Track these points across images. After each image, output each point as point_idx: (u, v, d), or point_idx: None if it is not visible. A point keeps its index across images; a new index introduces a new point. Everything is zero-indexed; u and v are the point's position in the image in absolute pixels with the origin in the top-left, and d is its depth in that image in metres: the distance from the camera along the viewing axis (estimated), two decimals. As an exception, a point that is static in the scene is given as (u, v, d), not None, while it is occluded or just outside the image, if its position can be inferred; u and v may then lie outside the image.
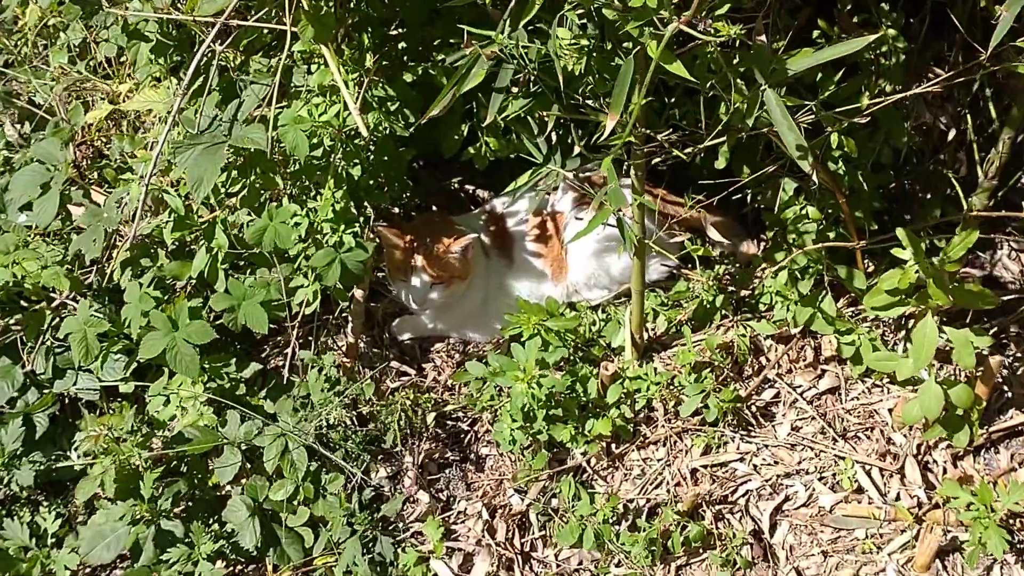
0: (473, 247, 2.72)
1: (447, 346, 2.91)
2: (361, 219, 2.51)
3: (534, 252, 2.84)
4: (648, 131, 2.22)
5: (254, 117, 2.41)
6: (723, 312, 2.82)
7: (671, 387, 2.64)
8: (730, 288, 2.86)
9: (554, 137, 2.44)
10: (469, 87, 2.12)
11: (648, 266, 2.84)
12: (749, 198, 2.91)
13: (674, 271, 2.95)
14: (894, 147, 2.59)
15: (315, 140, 2.41)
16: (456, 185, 3.18)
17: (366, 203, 2.59)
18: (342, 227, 2.36)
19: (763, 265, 2.83)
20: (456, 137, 2.70)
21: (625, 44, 2.25)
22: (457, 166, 2.98)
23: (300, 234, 2.36)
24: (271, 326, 2.43)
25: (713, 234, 2.78)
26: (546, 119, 2.34)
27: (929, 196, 2.91)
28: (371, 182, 2.57)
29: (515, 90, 2.31)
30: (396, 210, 3.00)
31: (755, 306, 2.82)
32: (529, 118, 2.46)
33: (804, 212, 2.61)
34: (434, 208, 3.16)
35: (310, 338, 2.70)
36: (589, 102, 2.25)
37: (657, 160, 2.39)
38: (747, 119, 1.84)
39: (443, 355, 2.88)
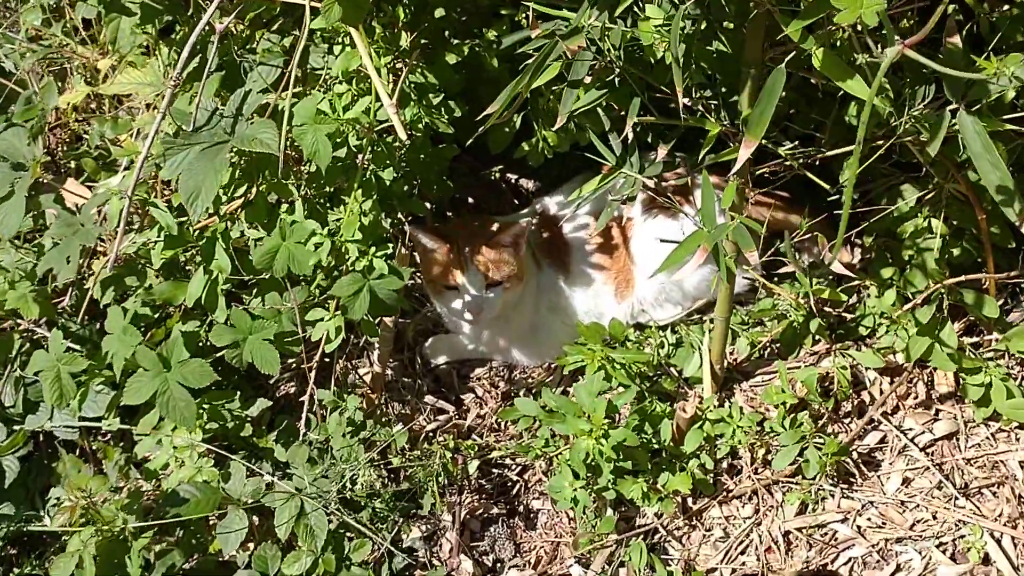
0: (525, 237, 2.28)
1: (490, 372, 2.48)
2: (393, 234, 2.06)
3: (596, 264, 2.40)
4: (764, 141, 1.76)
5: (263, 108, 1.95)
6: (815, 336, 2.39)
7: (759, 431, 2.22)
8: (825, 307, 2.42)
9: (630, 134, 1.98)
10: (541, 83, 1.67)
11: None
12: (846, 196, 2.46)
13: (755, 283, 2.50)
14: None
15: (339, 139, 1.95)
16: (496, 175, 2.71)
17: (399, 213, 2.13)
18: (371, 248, 1.91)
19: (865, 281, 2.39)
20: (507, 130, 2.23)
21: (728, 25, 1.79)
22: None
23: (321, 258, 1.91)
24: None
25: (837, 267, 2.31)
26: (624, 115, 1.89)
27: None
28: (405, 187, 2.11)
29: (587, 79, 1.85)
30: (428, 205, 2.54)
31: (853, 329, 2.39)
32: (600, 111, 2.00)
33: (926, 224, 2.16)
34: (470, 200, 2.71)
35: (326, 362, 2.26)
36: (686, 100, 1.79)
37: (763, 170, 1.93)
38: (929, 146, 1.39)
39: (485, 383, 2.45)
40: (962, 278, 2.07)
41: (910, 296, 2.27)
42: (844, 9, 1.05)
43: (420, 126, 1.96)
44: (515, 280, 2.26)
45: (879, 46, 1.20)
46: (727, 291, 2.13)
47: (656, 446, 2.20)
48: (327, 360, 2.23)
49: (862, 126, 1.34)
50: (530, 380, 2.46)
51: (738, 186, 1.89)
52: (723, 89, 1.90)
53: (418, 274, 2.41)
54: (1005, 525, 2.10)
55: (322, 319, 1.96)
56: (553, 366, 2.46)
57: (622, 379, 2.18)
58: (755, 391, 2.38)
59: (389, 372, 2.38)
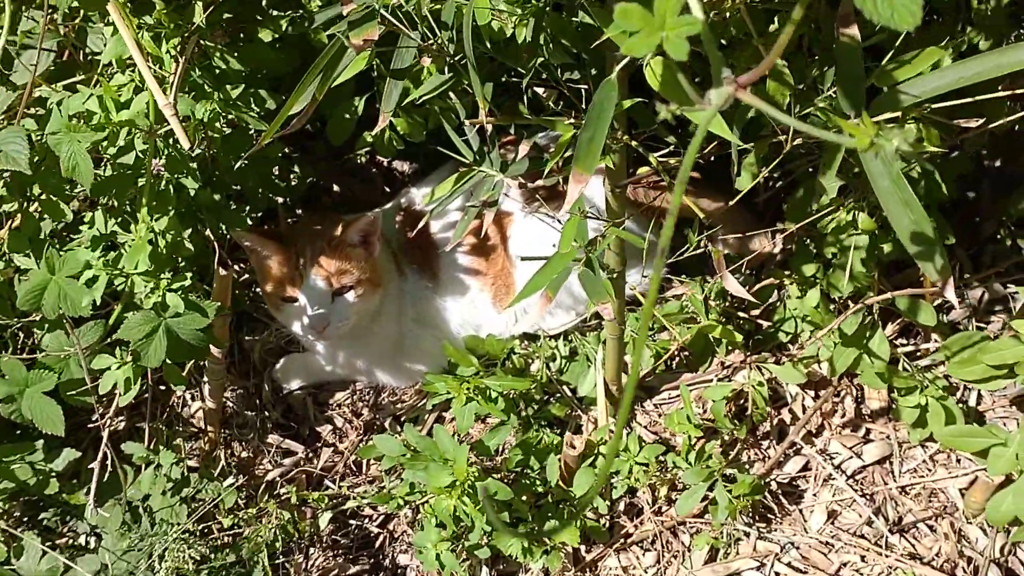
0: (378, 233, 1.91)
1: (352, 397, 2.12)
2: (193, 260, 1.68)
3: (469, 268, 2.04)
4: (630, 139, 1.41)
5: (28, 107, 1.55)
6: (729, 345, 2.05)
7: (661, 464, 1.89)
8: (740, 311, 2.08)
9: (488, 126, 1.61)
10: (345, 78, 1.29)
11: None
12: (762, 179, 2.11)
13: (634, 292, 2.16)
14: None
15: (122, 141, 1.56)
16: (363, 157, 2.32)
17: (213, 228, 1.74)
18: (164, 281, 1.53)
19: (783, 278, 2.04)
20: (347, 116, 1.84)
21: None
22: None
23: (98, 296, 1.53)
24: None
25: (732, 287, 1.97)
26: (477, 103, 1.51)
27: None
28: (217, 197, 1.72)
29: (427, 61, 1.47)
30: (280, 200, 2.16)
31: (772, 335, 2.05)
32: (454, 96, 1.62)
33: (852, 218, 1.81)
34: (335, 189, 2.32)
35: (143, 408, 1.90)
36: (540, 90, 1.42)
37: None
38: (823, 176, 1.03)
39: (347, 411, 2.10)
40: (904, 293, 1.73)
41: (836, 298, 1.94)
42: (630, 35, 0.67)
43: (219, 124, 1.56)
44: (368, 286, 1.90)
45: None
46: (618, 306, 1.78)
47: (540, 488, 1.86)
48: (143, 408, 1.86)
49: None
50: (400, 405, 2.10)
51: (614, 182, 1.53)
52: (593, 71, 1.52)
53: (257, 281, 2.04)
54: (942, 570, 1.79)
55: (108, 368, 1.58)
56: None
57: (495, 412, 1.83)
58: (660, 411, 2.05)
59: (229, 403, 2.02)
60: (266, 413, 2.05)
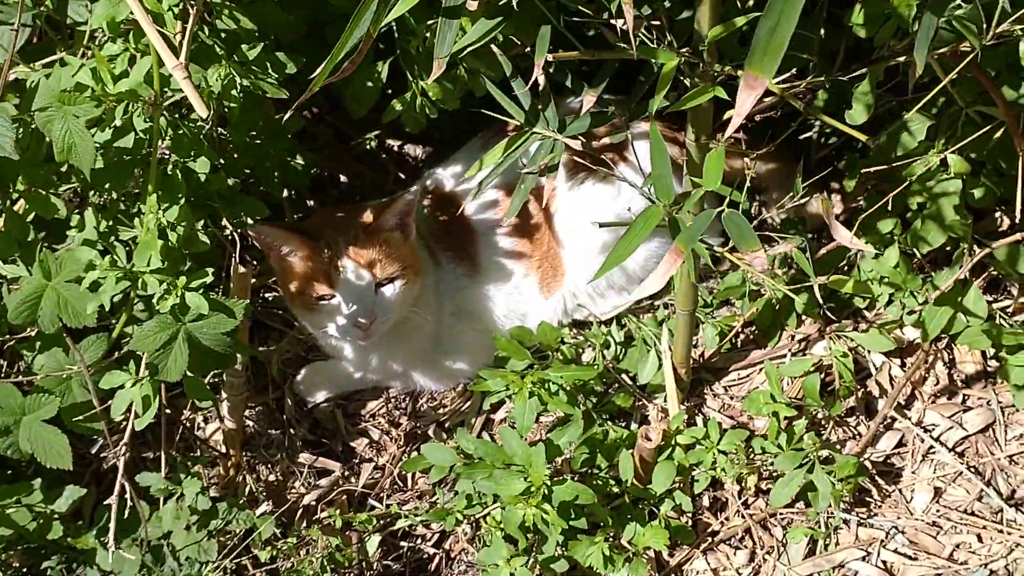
0: (414, 215, 1.69)
1: (387, 405, 1.89)
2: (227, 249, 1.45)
3: (512, 251, 1.82)
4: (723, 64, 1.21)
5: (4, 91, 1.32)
6: (802, 314, 1.86)
7: (747, 452, 1.69)
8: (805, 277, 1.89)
9: (541, 79, 1.40)
10: (394, 16, 1.08)
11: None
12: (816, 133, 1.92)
13: (715, 251, 1.95)
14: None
15: (119, 120, 1.33)
16: (372, 143, 2.10)
17: (227, 219, 1.51)
18: (182, 279, 1.30)
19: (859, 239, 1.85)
20: (370, 85, 1.62)
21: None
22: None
23: (106, 301, 1.29)
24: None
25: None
26: (530, 52, 1.31)
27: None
28: (231, 182, 1.49)
29: (473, 5, 1.26)
30: (285, 194, 1.93)
31: (846, 301, 1.86)
32: (497, 49, 1.42)
33: (942, 162, 1.61)
34: (343, 180, 2.10)
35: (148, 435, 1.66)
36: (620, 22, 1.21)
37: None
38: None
39: (382, 421, 1.87)
40: (1010, 239, 1.54)
41: (918, 254, 1.75)
42: None
43: (235, 92, 1.33)
44: (410, 275, 1.68)
45: None
46: (687, 285, 1.58)
47: (615, 488, 1.65)
48: (157, 431, 1.62)
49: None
50: (441, 410, 1.88)
51: (698, 131, 1.33)
52: (666, 2, 1.32)
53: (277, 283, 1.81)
54: (1072, 542, 1.61)
55: (122, 386, 1.35)
56: (470, 388, 1.90)
57: (562, 407, 1.62)
58: (732, 395, 1.85)
59: (249, 422, 1.79)
60: (292, 431, 1.82)
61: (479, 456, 1.58)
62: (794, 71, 1.21)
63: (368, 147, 2.10)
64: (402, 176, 2.10)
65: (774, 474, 1.67)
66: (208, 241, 1.41)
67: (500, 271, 1.82)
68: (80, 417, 1.39)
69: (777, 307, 1.85)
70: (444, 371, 1.86)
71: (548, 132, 1.45)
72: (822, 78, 1.40)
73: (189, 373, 1.37)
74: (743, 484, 1.69)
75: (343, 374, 1.87)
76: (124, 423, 1.45)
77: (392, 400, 1.89)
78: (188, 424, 1.80)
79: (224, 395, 1.66)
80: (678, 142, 1.70)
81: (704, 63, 1.24)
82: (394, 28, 1.56)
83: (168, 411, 1.77)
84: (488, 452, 1.57)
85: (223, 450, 1.72)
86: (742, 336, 1.91)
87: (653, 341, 1.84)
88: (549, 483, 1.49)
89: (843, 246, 1.86)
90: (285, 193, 1.92)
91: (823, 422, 1.74)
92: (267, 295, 1.96)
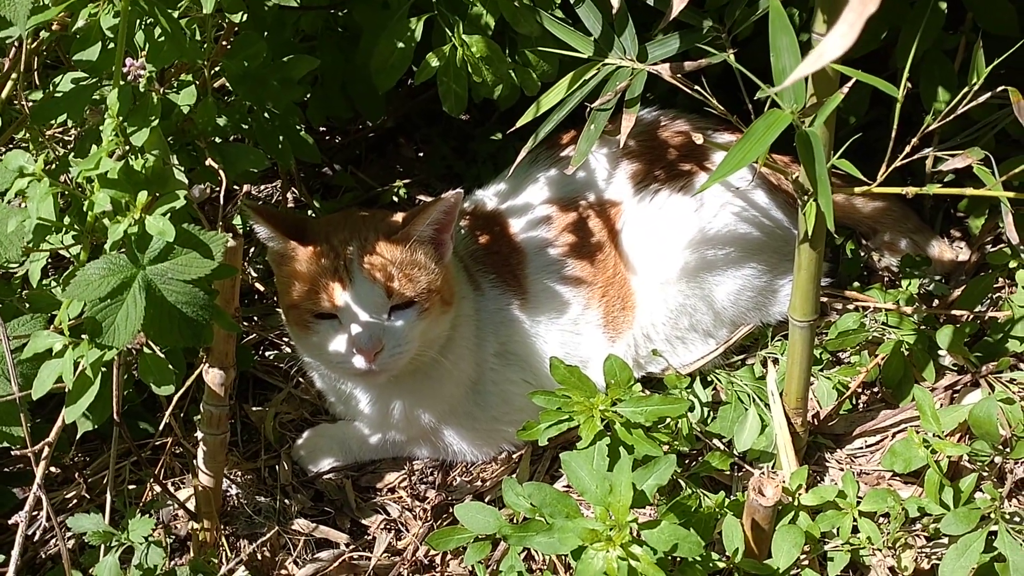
0: (455, 216, 1.32)
1: (409, 476, 1.46)
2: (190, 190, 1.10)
3: (568, 276, 1.46)
4: None
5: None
6: (943, 361, 1.47)
7: (895, 519, 1.25)
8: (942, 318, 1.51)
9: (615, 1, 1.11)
10: None
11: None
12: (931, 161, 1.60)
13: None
14: None
15: (83, 19, 1.04)
16: (403, 191, 1.80)
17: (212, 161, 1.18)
18: (142, 194, 0.96)
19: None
20: (400, 45, 1.32)
21: None
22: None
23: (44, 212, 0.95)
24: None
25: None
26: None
27: None
28: (221, 121, 1.17)
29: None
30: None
31: (997, 344, 1.47)
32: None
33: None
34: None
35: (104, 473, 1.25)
36: None
37: None
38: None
39: (404, 494, 1.44)
40: None
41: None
42: None
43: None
44: (437, 303, 1.31)
45: None
46: (813, 264, 1.21)
47: (719, 563, 1.20)
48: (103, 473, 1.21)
49: None
50: (479, 483, 1.45)
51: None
52: None
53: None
54: None
55: (51, 351, 0.97)
56: (514, 455, 1.48)
57: (646, 447, 1.20)
58: (860, 467, 1.42)
59: (233, 489, 1.37)
60: (287, 501, 1.39)
61: (536, 505, 1.15)
62: None
63: (394, 198, 1.79)
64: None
65: (937, 544, 1.23)
66: (186, 181, 1.07)
67: (554, 299, 1.44)
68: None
69: (908, 353, 1.46)
70: (484, 433, 1.45)
71: (625, 61, 1.14)
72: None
73: (153, 349, 0.99)
74: (898, 560, 1.23)
75: (355, 437, 1.46)
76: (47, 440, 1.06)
77: (416, 472, 1.46)
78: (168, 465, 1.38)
79: (200, 434, 1.26)
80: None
81: None
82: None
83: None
84: (548, 499, 1.14)
85: (196, 516, 1.29)
86: (864, 396, 1.50)
87: (751, 397, 1.44)
88: (637, 526, 1.06)
89: (983, 282, 1.51)
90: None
91: (991, 478, 1.31)
92: (267, 353, 1.59)
